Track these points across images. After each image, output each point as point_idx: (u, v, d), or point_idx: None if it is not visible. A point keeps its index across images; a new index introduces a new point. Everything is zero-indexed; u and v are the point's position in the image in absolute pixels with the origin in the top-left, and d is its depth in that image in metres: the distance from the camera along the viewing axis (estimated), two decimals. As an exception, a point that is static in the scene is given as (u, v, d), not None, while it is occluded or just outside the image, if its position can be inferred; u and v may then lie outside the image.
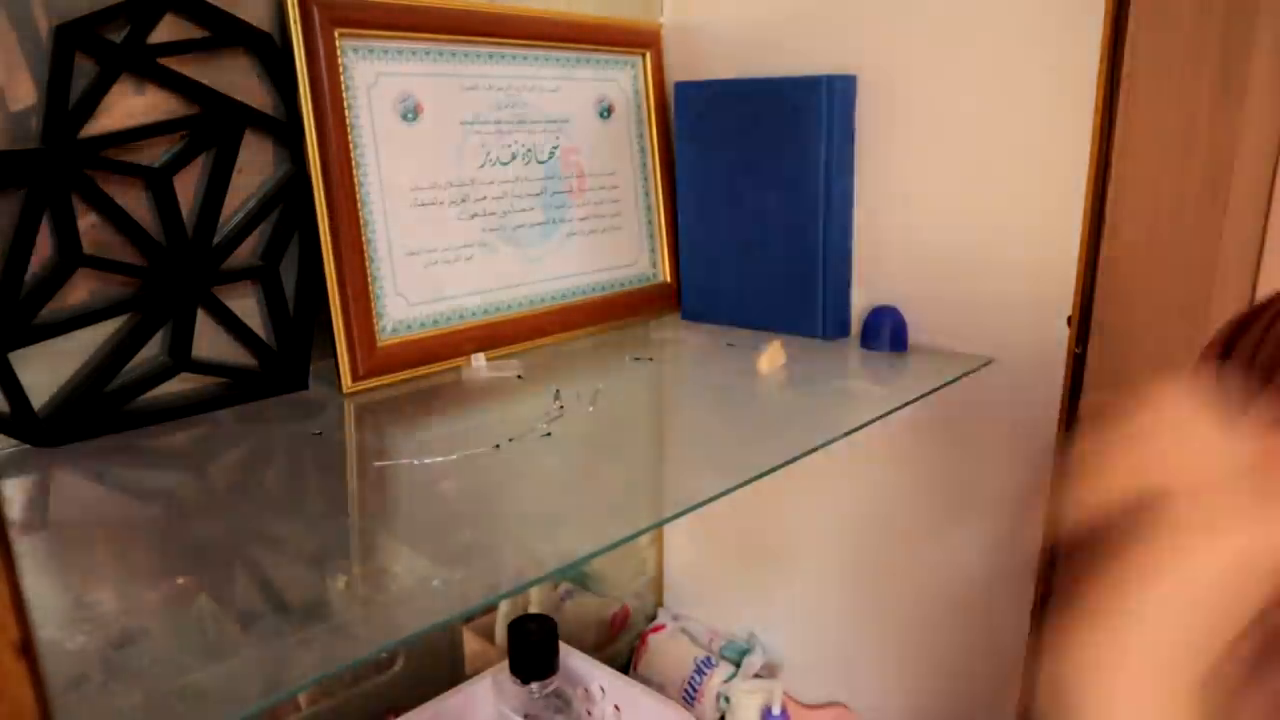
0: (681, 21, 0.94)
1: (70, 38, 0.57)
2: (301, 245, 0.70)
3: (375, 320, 0.72)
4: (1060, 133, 0.72)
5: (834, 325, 0.85)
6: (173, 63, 0.62)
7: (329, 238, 0.69)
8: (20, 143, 0.57)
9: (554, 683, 0.73)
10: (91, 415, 0.61)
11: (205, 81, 0.63)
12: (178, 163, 0.63)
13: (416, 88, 0.76)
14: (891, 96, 0.81)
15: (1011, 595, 0.81)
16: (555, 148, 0.86)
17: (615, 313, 0.90)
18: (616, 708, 0.80)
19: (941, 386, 0.73)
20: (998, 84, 0.75)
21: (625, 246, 0.93)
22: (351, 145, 0.71)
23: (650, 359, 0.81)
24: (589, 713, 0.80)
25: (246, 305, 0.69)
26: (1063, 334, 0.74)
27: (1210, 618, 0.30)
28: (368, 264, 0.72)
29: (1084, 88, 0.70)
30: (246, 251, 0.68)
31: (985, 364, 0.77)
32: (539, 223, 0.85)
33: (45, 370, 0.60)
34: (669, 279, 0.96)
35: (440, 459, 0.58)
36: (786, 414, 0.71)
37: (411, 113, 0.75)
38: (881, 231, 0.84)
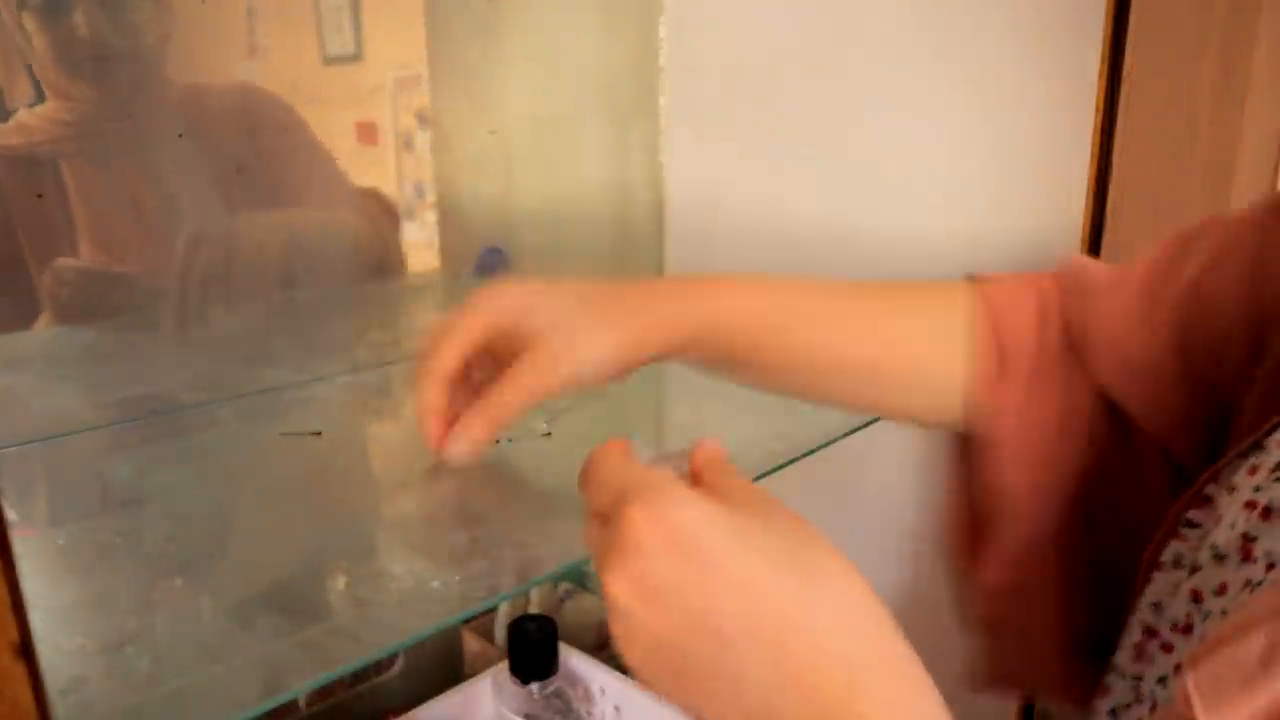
0: (682, 17, 0.94)
1: None
2: None
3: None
4: (1060, 132, 0.72)
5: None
6: None
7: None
8: None
9: (554, 683, 0.73)
10: None
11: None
12: None
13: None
14: (892, 96, 0.81)
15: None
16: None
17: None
18: (616, 708, 0.79)
19: (942, 386, 0.73)
20: (998, 84, 0.75)
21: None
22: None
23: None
24: (589, 713, 0.80)
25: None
26: (1063, 334, 0.74)
27: None
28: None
29: (1084, 88, 0.70)
30: None
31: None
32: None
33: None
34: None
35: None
36: (787, 414, 0.71)
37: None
38: (881, 231, 0.84)
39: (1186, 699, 0.28)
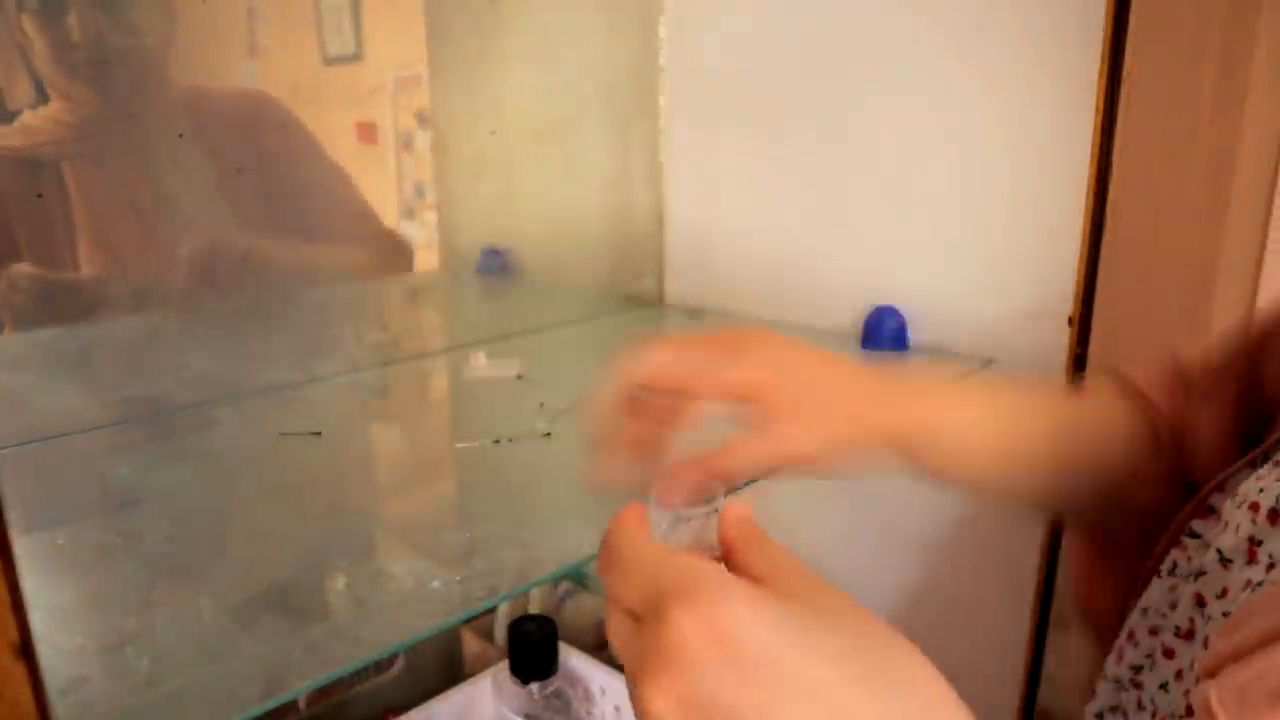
0: (682, 17, 0.94)
1: None
2: None
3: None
4: (1060, 133, 0.72)
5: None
6: None
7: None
8: None
9: (554, 683, 0.73)
10: None
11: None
12: None
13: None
14: (891, 96, 0.81)
15: (1012, 597, 0.81)
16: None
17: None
18: (616, 708, 0.79)
19: (941, 387, 0.73)
20: (998, 84, 0.75)
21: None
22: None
23: (650, 359, 0.81)
24: (589, 713, 0.80)
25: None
26: (1063, 334, 0.74)
27: None
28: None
29: (1084, 88, 0.70)
30: None
31: (986, 364, 0.77)
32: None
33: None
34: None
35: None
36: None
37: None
38: (880, 230, 0.84)
39: (1209, 711, 0.27)
